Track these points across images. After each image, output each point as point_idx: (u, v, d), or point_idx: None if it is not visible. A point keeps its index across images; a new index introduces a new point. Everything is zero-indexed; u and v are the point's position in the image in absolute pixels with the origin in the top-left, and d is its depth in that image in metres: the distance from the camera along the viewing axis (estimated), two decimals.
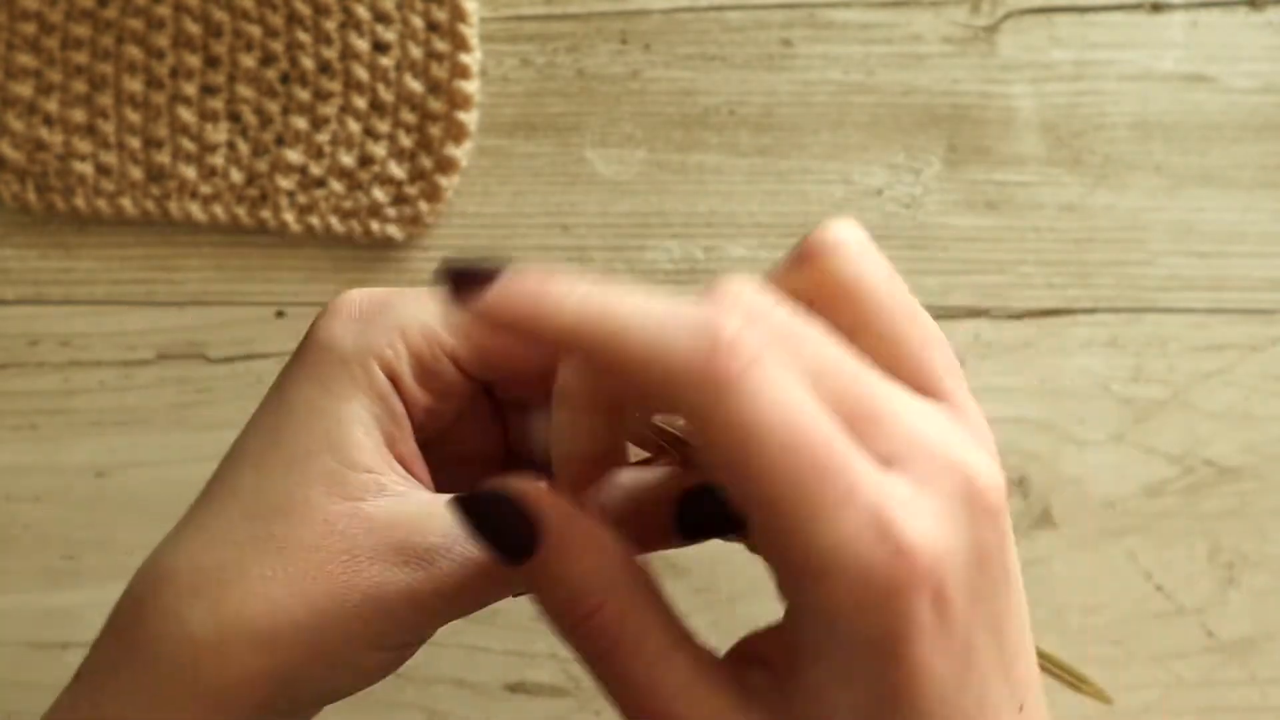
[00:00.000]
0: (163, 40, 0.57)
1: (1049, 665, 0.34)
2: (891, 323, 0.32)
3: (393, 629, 0.32)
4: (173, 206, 0.57)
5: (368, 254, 0.58)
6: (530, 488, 0.31)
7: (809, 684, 0.30)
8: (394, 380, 0.33)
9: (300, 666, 0.32)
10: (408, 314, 0.33)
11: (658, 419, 0.35)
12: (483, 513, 0.30)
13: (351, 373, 0.33)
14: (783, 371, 0.28)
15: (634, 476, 0.35)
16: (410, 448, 0.34)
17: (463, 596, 0.33)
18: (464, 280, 0.29)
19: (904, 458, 0.29)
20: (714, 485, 0.32)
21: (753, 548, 0.36)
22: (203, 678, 0.32)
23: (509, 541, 0.30)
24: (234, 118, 0.57)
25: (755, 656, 0.33)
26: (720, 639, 0.58)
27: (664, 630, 0.31)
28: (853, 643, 0.29)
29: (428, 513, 0.33)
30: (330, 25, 0.57)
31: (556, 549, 0.31)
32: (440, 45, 0.57)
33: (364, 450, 0.33)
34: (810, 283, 0.33)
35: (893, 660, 0.29)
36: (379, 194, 0.57)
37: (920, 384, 0.32)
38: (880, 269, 0.33)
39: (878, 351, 0.32)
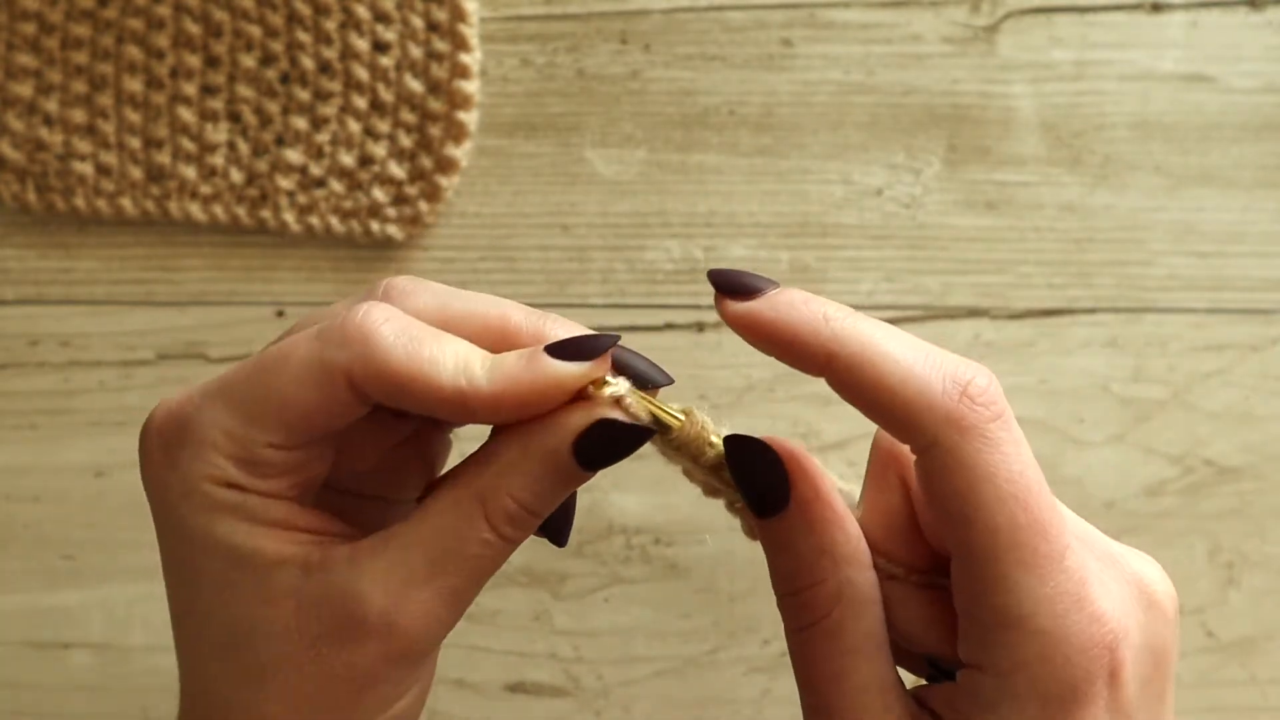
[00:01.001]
0: (163, 40, 0.57)
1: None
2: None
3: (389, 687, 0.33)
4: (173, 206, 0.57)
5: (368, 254, 0.58)
6: (794, 451, 0.33)
7: None
8: (234, 486, 0.33)
9: None
10: (207, 427, 0.33)
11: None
12: (750, 459, 0.33)
13: (198, 503, 0.33)
14: (1018, 433, 0.31)
15: None
16: (301, 518, 0.34)
17: (431, 637, 0.33)
18: (733, 289, 0.32)
19: (1088, 545, 0.33)
20: (607, 418, 0.33)
21: (733, 508, 0.36)
22: None
23: (764, 492, 0.33)
24: (234, 118, 0.57)
25: (928, 707, 0.33)
26: (720, 639, 0.58)
27: (869, 629, 0.33)
28: (1029, 697, 0.31)
29: (355, 574, 0.32)
30: (330, 25, 0.57)
31: (801, 515, 0.33)
32: (440, 45, 0.57)
33: (262, 551, 0.33)
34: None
35: None
36: (379, 194, 0.57)
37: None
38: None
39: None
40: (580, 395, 0.33)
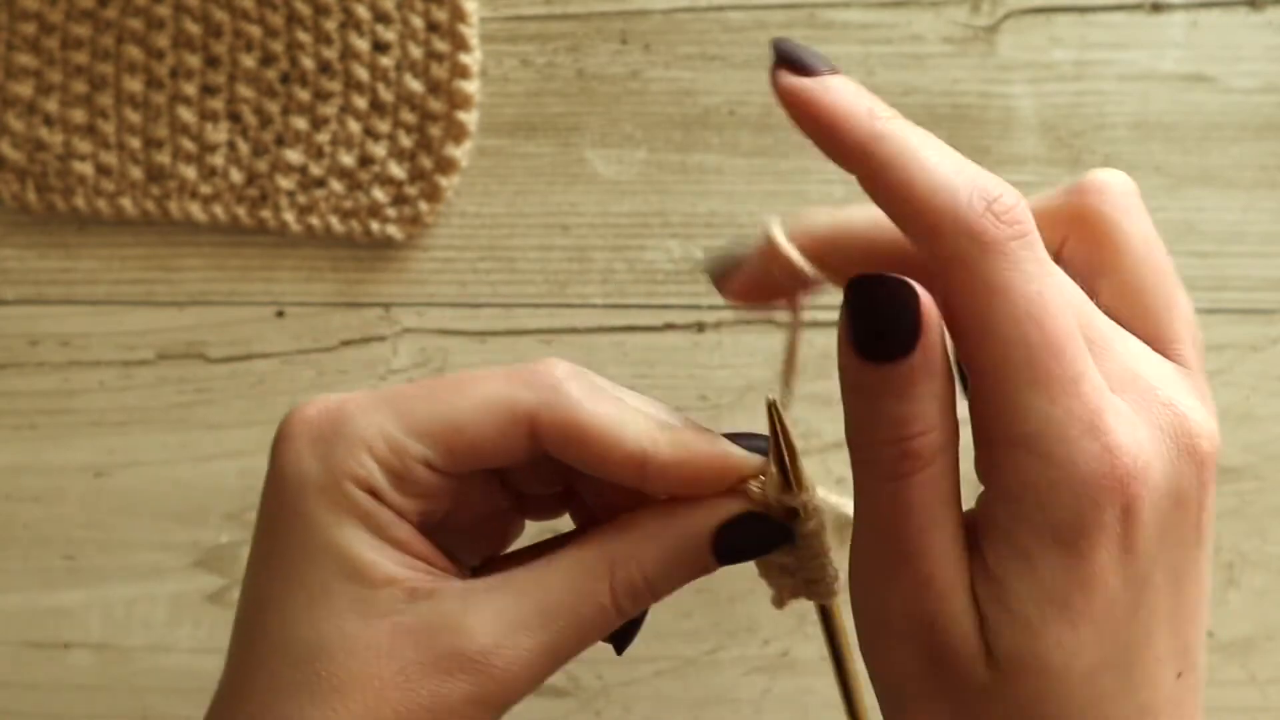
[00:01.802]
0: (163, 40, 0.57)
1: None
2: (1140, 275, 0.34)
3: None
4: (173, 206, 0.57)
5: (368, 254, 0.58)
6: (929, 298, 0.31)
7: (990, 562, 0.31)
8: (374, 494, 0.33)
9: None
10: (368, 427, 0.33)
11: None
12: (880, 295, 0.31)
13: (333, 500, 0.32)
14: (1044, 255, 0.30)
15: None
16: (419, 545, 0.34)
17: (521, 688, 0.34)
18: (792, 62, 0.31)
19: (1125, 385, 0.31)
20: (753, 512, 0.34)
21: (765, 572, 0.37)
22: None
23: (893, 333, 0.30)
24: (234, 118, 0.57)
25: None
26: (720, 639, 0.58)
27: (952, 486, 0.32)
28: (1039, 524, 0.30)
29: (465, 608, 0.32)
30: (330, 25, 0.57)
31: (926, 360, 0.31)
32: (440, 45, 0.57)
33: (377, 566, 0.32)
34: (1074, 213, 0.33)
35: (1073, 554, 0.29)
36: (379, 194, 0.57)
37: (1157, 342, 0.33)
38: (1144, 223, 0.34)
39: (1121, 299, 0.33)
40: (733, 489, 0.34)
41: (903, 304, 0.30)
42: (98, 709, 0.57)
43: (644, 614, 0.36)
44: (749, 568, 0.36)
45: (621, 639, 0.36)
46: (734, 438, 0.34)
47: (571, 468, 0.34)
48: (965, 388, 0.32)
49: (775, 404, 0.34)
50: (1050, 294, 0.30)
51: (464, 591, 0.33)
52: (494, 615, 0.32)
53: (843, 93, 0.31)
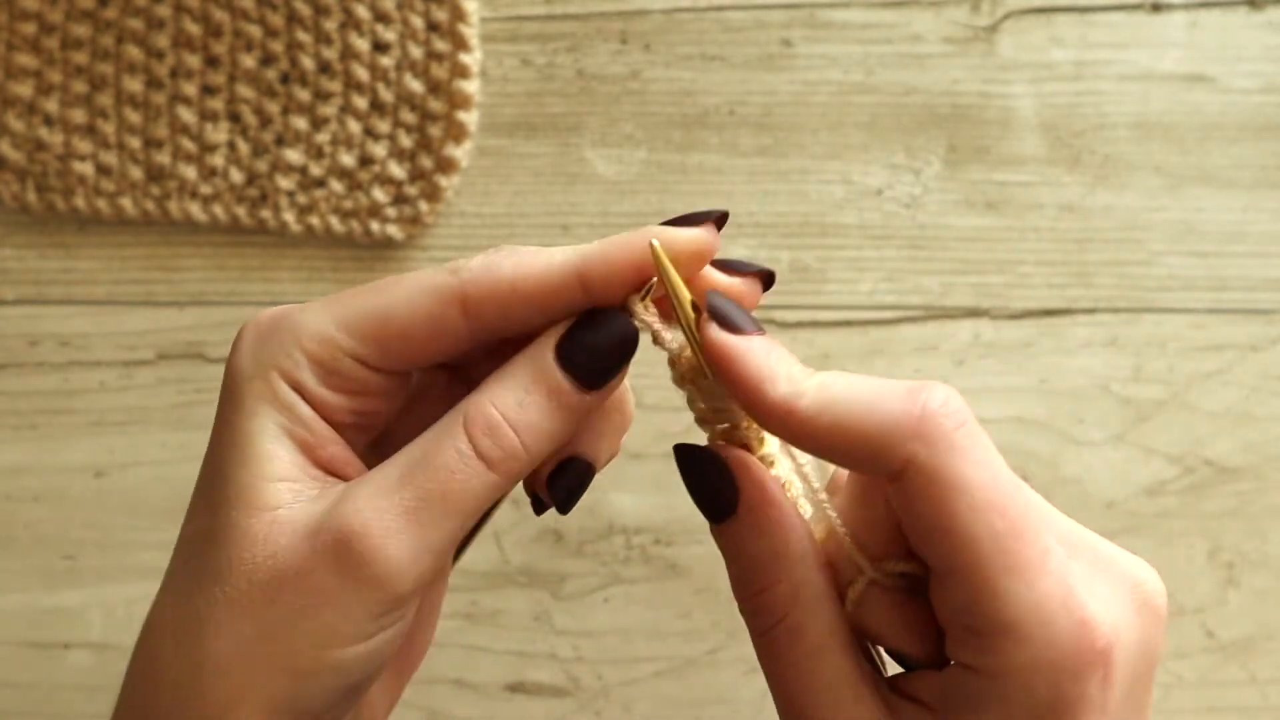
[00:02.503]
0: (163, 40, 0.57)
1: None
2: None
3: (341, 617, 0.32)
4: (173, 206, 0.57)
5: (368, 254, 0.58)
6: (740, 458, 0.33)
7: None
8: (298, 388, 0.33)
9: (269, 682, 0.32)
10: (303, 324, 0.33)
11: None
12: (695, 466, 0.33)
13: (256, 390, 0.33)
14: (984, 438, 0.31)
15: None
16: (334, 451, 0.34)
17: (392, 554, 0.32)
18: (721, 320, 0.32)
19: (1077, 547, 0.33)
20: (593, 310, 0.33)
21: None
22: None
23: (711, 499, 0.33)
24: (234, 118, 0.57)
25: (909, 694, 0.33)
26: (720, 639, 0.58)
27: (828, 626, 0.33)
28: (1019, 702, 0.30)
29: (342, 496, 0.32)
30: (330, 25, 0.57)
31: (749, 519, 0.33)
32: (440, 45, 0.57)
33: (277, 460, 0.33)
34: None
35: None
36: (379, 194, 0.57)
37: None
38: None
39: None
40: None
41: (716, 472, 0.33)
42: (98, 709, 0.57)
43: (580, 467, 0.35)
44: None
45: (563, 499, 0.35)
46: (684, 217, 0.34)
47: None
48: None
49: (655, 247, 0.33)
50: (1003, 476, 0.31)
51: (349, 485, 0.33)
52: (357, 488, 0.32)
53: (764, 355, 0.32)
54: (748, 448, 0.34)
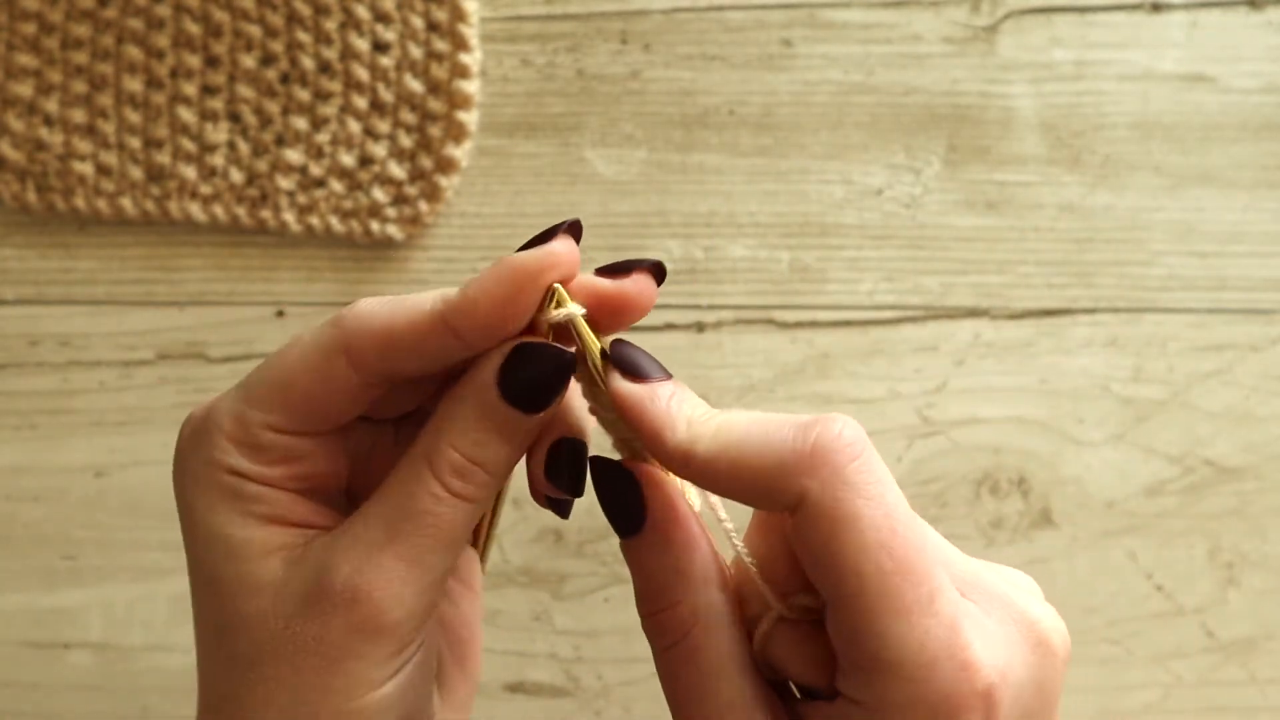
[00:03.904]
0: (163, 40, 0.57)
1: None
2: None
3: (364, 666, 0.33)
4: (173, 206, 0.57)
5: (368, 254, 0.58)
6: (652, 475, 0.34)
7: None
8: (236, 473, 0.34)
9: None
10: (220, 411, 0.35)
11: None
12: (606, 480, 0.34)
13: (205, 489, 0.34)
14: (882, 472, 0.31)
15: None
16: (298, 509, 0.35)
17: (396, 606, 0.33)
18: (626, 369, 0.33)
19: (973, 586, 0.33)
20: (525, 342, 0.34)
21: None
22: None
23: (618, 514, 0.34)
24: (234, 118, 0.57)
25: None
26: None
27: (728, 648, 0.33)
28: None
29: (329, 552, 0.33)
30: (330, 25, 0.57)
31: (654, 537, 0.33)
32: (440, 45, 0.57)
33: (252, 543, 0.34)
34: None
35: None
36: (379, 194, 0.57)
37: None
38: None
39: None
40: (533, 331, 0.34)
41: (626, 487, 0.33)
42: (98, 709, 0.57)
43: (569, 448, 0.35)
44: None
45: (571, 485, 0.36)
46: (538, 239, 0.35)
47: (418, 379, 0.35)
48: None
49: (577, 318, 0.34)
50: (896, 514, 0.31)
51: (329, 539, 0.34)
52: (349, 546, 0.33)
53: (664, 402, 0.33)
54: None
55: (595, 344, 0.34)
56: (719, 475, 0.32)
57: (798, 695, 0.35)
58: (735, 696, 0.33)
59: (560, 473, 0.35)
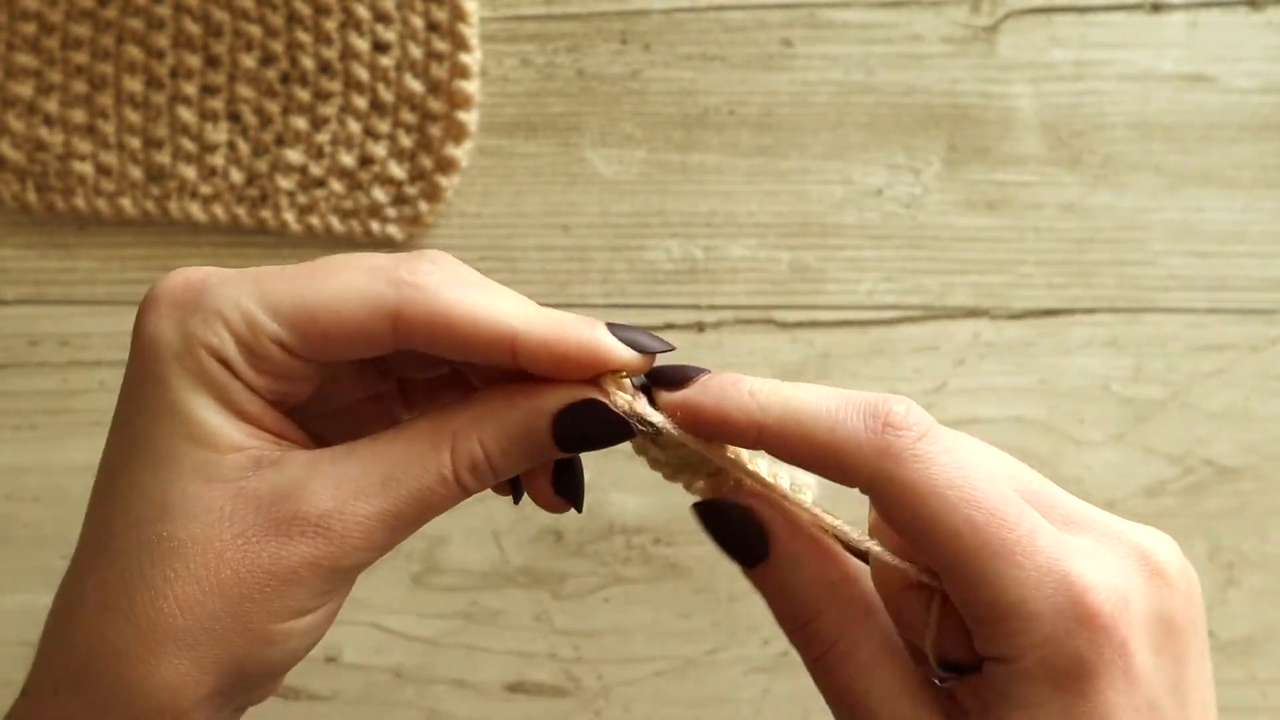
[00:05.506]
0: (163, 40, 0.57)
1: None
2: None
3: (306, 595, 0.33)
4: (173, 206, 0.57)
5: None
6: (758, 498, 0.34)
7: None
8: (226, 364, 0.33)
9: (227, 653, 0.32)
10: (226, 299, 0.33)
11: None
12: (720, 521, 0.34)
13: (185, 366, 0.33)
14: (954, 439, 0.32)
15: None
16: (270, 420, 0.34)
17: (360, 554, 0.33)
18: (668, 381, 0.34)
19: (1081, 524, 0.33)
20: (595, 400, 0.34)
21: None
22: (135, 687, 0.32)
23: (743, 548, 0.34)
24: (234, 118, 0.57)
25: (956, 700, 0.34)
26: (720, 639, 0.58)
27: (878, 641, 0.34)
28: (1039, 678, 0.31)
29: (308, 474, 0.33)
30: (330, 25, 0.57)
31: (783, 558, 0.34)
32: (440, 45, 0.57)
33: (222, 432, 0.33)
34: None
35: (1079, 696, 0.31)
36: (379, 194, 0.57)
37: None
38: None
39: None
40: (593, 382, 0.34)
41: (743, 521, 0.34)
42: None
43: (580, 470, 0.36)
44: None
45: (573, 495, 0.36)
46: (614, 329, 0.34)
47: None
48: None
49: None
50: (973, 473, 0.32)
51: (309, 460, 0.33)
52: (335, 481, 0.33)
53: (721, 387, 0.33)
54: (740, 486, 0.35)
55: (659, 419, 0.34)
56: (791, 441, 0.32)
57: (939, 678, 0.35)
58: (897, 685, 0.33)
59: (573, 487, 0.35)
